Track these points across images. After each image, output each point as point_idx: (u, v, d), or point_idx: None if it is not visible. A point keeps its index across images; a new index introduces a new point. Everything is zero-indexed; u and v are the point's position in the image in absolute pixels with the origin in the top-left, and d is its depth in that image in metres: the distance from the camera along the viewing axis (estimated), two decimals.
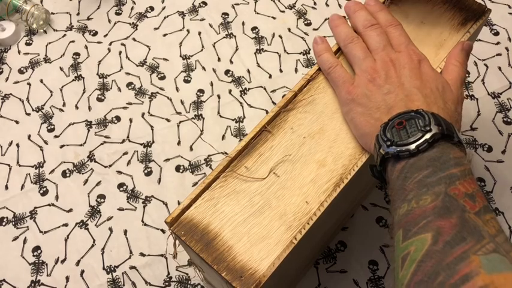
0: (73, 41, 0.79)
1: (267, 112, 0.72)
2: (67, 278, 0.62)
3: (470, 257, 0.31)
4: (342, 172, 0.45)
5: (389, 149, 0.39)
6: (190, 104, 0.73)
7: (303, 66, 0.76)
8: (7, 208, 0.66)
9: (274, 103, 0.73)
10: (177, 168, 0.68)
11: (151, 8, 0.82)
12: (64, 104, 0.74)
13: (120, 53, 0.78)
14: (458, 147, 0.40)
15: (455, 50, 0.49)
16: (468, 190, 0.36)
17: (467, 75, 0.48)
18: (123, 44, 0.79)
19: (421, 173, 0.37)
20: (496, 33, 0.78)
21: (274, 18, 0.81)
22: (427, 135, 0.38)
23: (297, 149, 0.46)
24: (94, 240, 0.64)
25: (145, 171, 0.68)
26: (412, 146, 0.39)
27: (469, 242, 0.32)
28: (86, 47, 0.79)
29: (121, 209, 0.66)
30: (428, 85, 0.44)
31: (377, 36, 0.49)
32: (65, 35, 0.80)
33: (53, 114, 0.73)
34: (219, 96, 0.74)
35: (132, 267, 0.62)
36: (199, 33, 0.80)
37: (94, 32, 0.80)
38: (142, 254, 0.63)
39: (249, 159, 0.46)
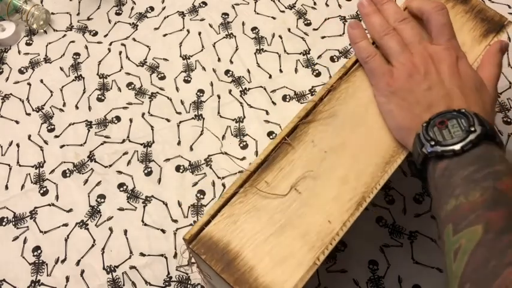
0: (73, 41, 0.79)
1: (267, 112, 0.72)
2: (67, 278, 0.62)
3: None
4: (364, 190, 0.43)
5: (434, 149, 0.40)
6: (190, 104, 0.73)
7: (303, 66, 0.76)
8: (7, 208, 0.66)
9: (274, 103, 0.73)
10: (177, 168, 0.68)
11: (152, 8, 0.82)
12: (64, 104, 0.74)
13: (120, 53, 0.78)
14: (499, 147, 0.40)
15: (492, 49, 0.49)
16: None
17: None
18: (123, 44, 0.79)
19: (467, 170, 0.38)
20: None
21: (274, 18, 0.81)
22: (472, 136, 0.39)
23: (318, 164, 0.44)
24: (94, 240, 0.64)
25: (146, 171, 0.68)
26: (457, 147, 0.39)
27: None
28: (86, 47, 0.79)
29: (121, 209, 0.66)
30: (468, 84, 0.45)
31: (411, 30, 0.48)
32: (65, 35, 0.80)
33: (53, 114, 0.73)
34: (219, 96, 0.74)
35: (132, 267, 0.62)
36: (199, 33, 0.80)
37: (94, 32, 0.80)
38: (142, 254, 0.63)
39: (269, 174, 0.44)
